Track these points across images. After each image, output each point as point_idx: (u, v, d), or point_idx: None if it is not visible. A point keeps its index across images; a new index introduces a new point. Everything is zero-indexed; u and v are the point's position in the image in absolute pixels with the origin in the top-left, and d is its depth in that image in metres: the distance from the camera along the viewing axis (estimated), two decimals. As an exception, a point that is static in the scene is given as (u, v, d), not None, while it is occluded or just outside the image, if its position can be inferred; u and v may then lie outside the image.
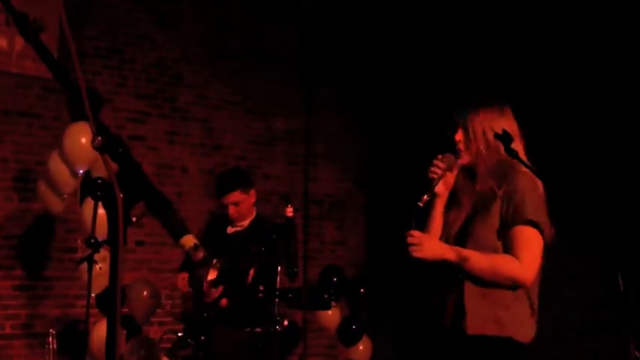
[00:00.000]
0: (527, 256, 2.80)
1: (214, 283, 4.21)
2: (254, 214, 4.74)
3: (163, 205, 1.91)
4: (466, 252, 2.85)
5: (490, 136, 2.92)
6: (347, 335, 6.51)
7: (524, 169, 2.92)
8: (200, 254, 1.93)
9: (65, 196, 5.45)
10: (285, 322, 4.08)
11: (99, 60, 6.46)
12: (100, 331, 5.05)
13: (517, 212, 2.83)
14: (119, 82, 6.60)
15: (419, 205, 2.87)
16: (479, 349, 2.87)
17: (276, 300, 4.08)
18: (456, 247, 2.87)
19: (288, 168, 7.55)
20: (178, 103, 6.92)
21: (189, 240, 1.93)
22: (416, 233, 2.86)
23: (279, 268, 4.07)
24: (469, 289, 2.88)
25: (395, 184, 7.36)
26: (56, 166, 5.33)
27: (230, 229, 4.72)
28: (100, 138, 1.76)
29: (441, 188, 3.01)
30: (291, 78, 7.54)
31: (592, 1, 5.82)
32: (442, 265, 2.88)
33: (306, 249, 7.44)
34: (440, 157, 2.97)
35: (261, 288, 4.10)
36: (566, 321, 5.76)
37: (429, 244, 2.87)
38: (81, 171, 5.30)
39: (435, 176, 2.94)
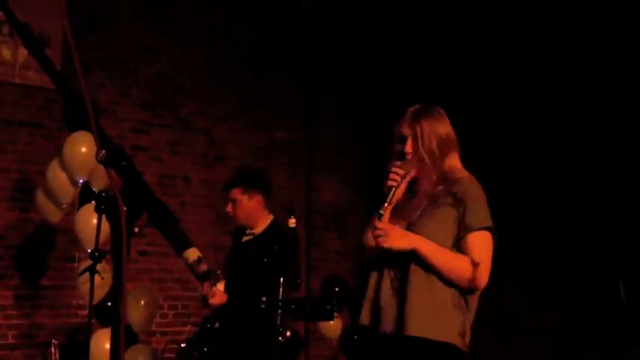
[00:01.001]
0: (484, 260, 2.87)
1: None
2: (267, 221, 4.58)
3: (167, 218, 1.91)
4: (435, 245, 2.86)
5: (434, 144, 2.96)
6: (349, 345, 6.50)
7: (467, 173, 2.99)
8: (203, 267, 1.93)
9: (64, 206, 5.43)
10: (288, 333, 4.07)
11: (102, 71, 6.49)
12: (97, 342, 5.01)
13: (473, 219, 2.89)
14: (122, 93, 6.62)
15: (381, 214, 2.87)
16: (421, 353, 2.84)
17: (279, 311, 4.08)
18: (423, 238, 2.86)
19: (290, 178, 7.56)
20: (181, 114, 6.94)
21: (192, 253, 1.93)
22: (381, 224, 2.86)
23: (281, 279, 4.06)
24: (412, 292, 2.87)
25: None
26: (55, 175, 5.32)
27: (244, 238, 4.59)
28: (104, 151, 1.76)
29: (397, 196, 2.99)
30: (293, 89, 7.56)
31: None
32: (406, 254, 2.87)
33: (308, 259, 7.44)
34: (398, 164, 2.97)
35: (264, 299, 4.10)
36: (566, 331, 5.76)
37: (396, 233, 2.87)
38: (80, 181, 5.29)
39: (395, 184, 2.94)
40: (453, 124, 3.08)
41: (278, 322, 3.94)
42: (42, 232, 6.02)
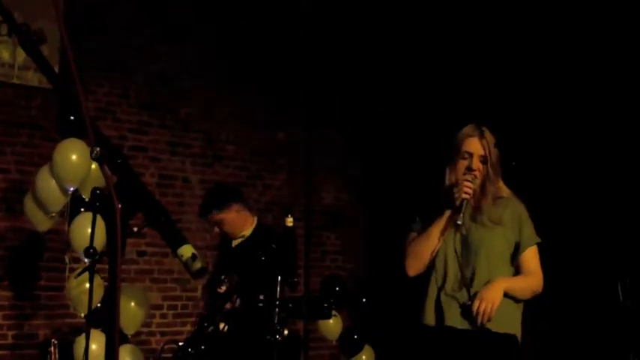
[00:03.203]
0: (538, 270, 3.37)
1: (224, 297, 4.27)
2: (254, 223, 4.71)
3: (161, 214, 1.92)
4: (510, 279, 3.30)
5: (496, 162, 3.31)
6: (348, 345, 6.49)
7: (510, 192, 3.38)
8: (198, 265, 1.93)
9: (53, 214, 5.37)
10: (285, 332, 4.08)
11: (101, 72, 6.49)
12: (85, 343, 4.94)
13: (527, 238, 3.33)
14: (121, 94, 6.62)
15: (458, 224, 3.19)
16: (492, 343, 3.23)
17: (276, 310, 4.08)
18: (502, 277, 3.25)
19: (290, 179, 7.56)
20: (180, 115, 6.95)
21: (187, 250, 1.93)
22: (476, 304, 3.16)
23: (279, 277, 4.08)
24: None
25: (395, 194, 7.37)
26: (45, 183, 5.23)
27: (234, 242, 4.71)
28: (98, 149, 1.77)
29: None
30: (293, 90, 7.55)
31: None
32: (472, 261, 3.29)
33: (307, 259, 7.44)
34: (469, 177, 3.25)
35: (261, 297, 4.11)
36: (566, 332, 5.75)
37: (492, 295, 3.18)
38: (71, 189, 5.22)
39: (468, 197, 3.22)
40: (449, 125, 3.26)
41: (275, 320, 3.95)
42: (42, 233, 6.01)
